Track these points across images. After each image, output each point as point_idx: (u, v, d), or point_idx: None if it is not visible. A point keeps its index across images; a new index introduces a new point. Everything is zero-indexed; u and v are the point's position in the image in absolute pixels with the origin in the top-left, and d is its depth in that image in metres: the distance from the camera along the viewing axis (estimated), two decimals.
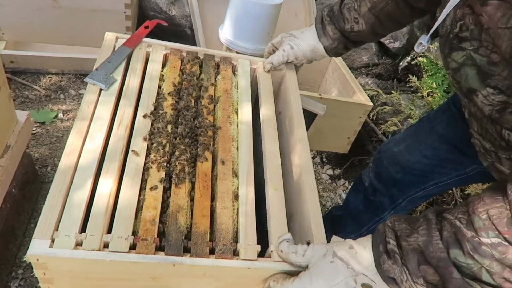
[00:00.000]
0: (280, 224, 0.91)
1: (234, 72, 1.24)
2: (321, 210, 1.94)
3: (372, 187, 1.40)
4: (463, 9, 0.79)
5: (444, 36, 0.87)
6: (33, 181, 1.54)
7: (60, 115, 2.01)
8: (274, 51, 1.28)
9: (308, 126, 1.80)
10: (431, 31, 0.93)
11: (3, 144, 1.32)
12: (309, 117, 1.59)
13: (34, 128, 1.89)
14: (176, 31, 2.50)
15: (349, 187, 2.14)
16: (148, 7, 2.48)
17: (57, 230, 0.78)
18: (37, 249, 0.75)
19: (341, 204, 2.02)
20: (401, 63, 1.29)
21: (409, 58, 1.19)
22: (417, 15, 1.12)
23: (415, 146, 1.27)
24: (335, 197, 2.07)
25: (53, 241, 0.77)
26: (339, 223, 1.54)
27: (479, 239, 0.65)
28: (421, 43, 0.99)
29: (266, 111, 1.14)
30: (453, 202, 2.02)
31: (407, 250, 0.72)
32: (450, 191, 2.03)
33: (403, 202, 1.34)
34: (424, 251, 0.70)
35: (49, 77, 2.18)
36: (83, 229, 0.80)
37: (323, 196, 2.04)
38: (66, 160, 0.89)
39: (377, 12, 1.10)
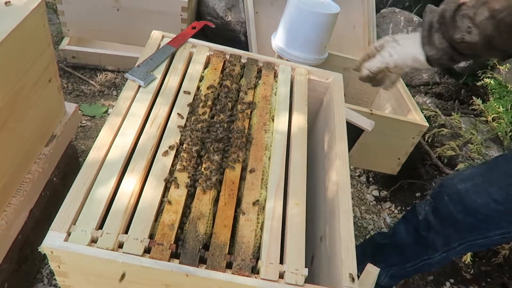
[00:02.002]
0: (297, 242, 0.84)
1: (275, 78, 1.19)
2: (362, 233, 1.83)
3: (426, 222, 1.25)
4: None
5: None
6: (75, 172, 1.57)
7: (110, 110, 2.07)
8: (374, 55, 1.13)
9: (353, 142, 1.70)
10: None
11: (49, 134, 1.36)
12: (355, 132, 1.50)
13: (84, 121, 1.96)
14: (230, 36, 2.50)
15: (395, 211, 2.00)
16: (206, 11, 2.51)
17: (74, 224, 0.77)
18: (51, 241, 0.74)
19: (386, 231, 1.88)
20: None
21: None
22: None
23: (485, 187, 1.11)
24: (379, 220, 1.93)
25: (69, 234, 0.76)
26: (381, 252, 1.41)
27: None
28: None
29: (297, 119, 1.08)
30: None
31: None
32: None
33: (459, 246, 1.20)
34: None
35: (105, 74, 2.26)
36: (102, 226, 0.79)
37: (365, 218, 1.92)
38: (94, 154, 0.88)
39: (497, 22, 0.90)
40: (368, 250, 1.46)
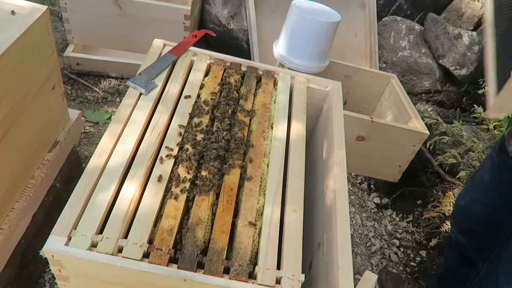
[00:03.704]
0: (294, 248, 0.85)
1: (275, 86, 1.21)
2: (362, 240, 1.83)
3: (458, 241, 1.34)
4: None
5: None
6: (78, 177, 1.59)
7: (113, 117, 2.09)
8: None
9: None
10: None
11: (52, 140, 1.38)
12: None
13: (88, 128, 1.98)
14: (233, 44, 2.53)
15: (396, 218, 2.00)
16: (208, 19, 2.54)
17: (75, 229, 0.78)
18: (52, 245, 0.75)
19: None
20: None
21: None
22: None
23: (476, 196, 1.23)
24: (380, 227, 1.93)
25: (70, 239, 0.77)
26: (444, 284, 1.47)
27: None
28: None
29: (296, 127, 1.09)
30: None
31: None
32: None
33: (490, 254, 1.26)
34: None
35: (109, 81, 2.29)
36: (102, 231, 0.80)
37: (366, 226, 1.92)
38: (95, 160, 0.89)
39: None
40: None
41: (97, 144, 0.93)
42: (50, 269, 1.46)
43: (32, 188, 1.25)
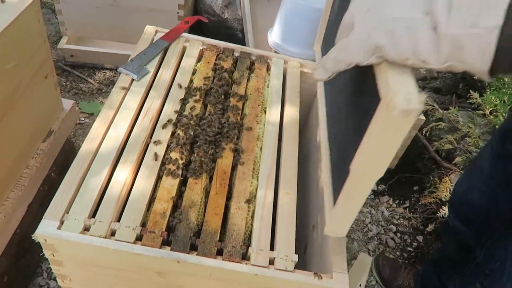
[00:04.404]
0: (287, 230, 0.85)
1: (268, 71, 1.20)
2: (359, 226, 1.84)
3: (455, 228, 1.33)
4: None
5: None
6: None
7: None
8: None
9: None
10: None
11: (46, 129, 1.38)
12: None
13: (83, 119, 1.98)
14: (227, 34, 2.51)
15: (393, 204, 2.01)
16: (203, 9, 2.52)
17: (68, 213, 0.79)
18: (44, 229, 0.75)
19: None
20: None
21: None
22: None
23: (474, 184, 1.23)
24: (376, 214, 1.94)
25: (62, 223, 0.77)
26: (440, 267, 1.47)
27: None
28: None
29: (289, 111, 1.09)
30: None
31: None
32: None
33: (488, 240, 1.25)
34: None
35: (103, 72, 2.28)
36: (94, 215, 0.80)
37: (363, 212, 1.93)
38: (88, 145, 0.89)
39: None
40: (430, 275, 1.50)
41: None
42: (47, 259, 1.47)
43: (27, 178, 1.25)
